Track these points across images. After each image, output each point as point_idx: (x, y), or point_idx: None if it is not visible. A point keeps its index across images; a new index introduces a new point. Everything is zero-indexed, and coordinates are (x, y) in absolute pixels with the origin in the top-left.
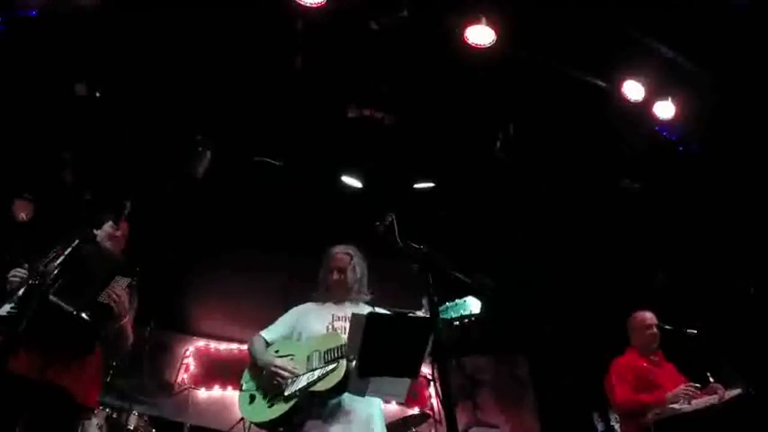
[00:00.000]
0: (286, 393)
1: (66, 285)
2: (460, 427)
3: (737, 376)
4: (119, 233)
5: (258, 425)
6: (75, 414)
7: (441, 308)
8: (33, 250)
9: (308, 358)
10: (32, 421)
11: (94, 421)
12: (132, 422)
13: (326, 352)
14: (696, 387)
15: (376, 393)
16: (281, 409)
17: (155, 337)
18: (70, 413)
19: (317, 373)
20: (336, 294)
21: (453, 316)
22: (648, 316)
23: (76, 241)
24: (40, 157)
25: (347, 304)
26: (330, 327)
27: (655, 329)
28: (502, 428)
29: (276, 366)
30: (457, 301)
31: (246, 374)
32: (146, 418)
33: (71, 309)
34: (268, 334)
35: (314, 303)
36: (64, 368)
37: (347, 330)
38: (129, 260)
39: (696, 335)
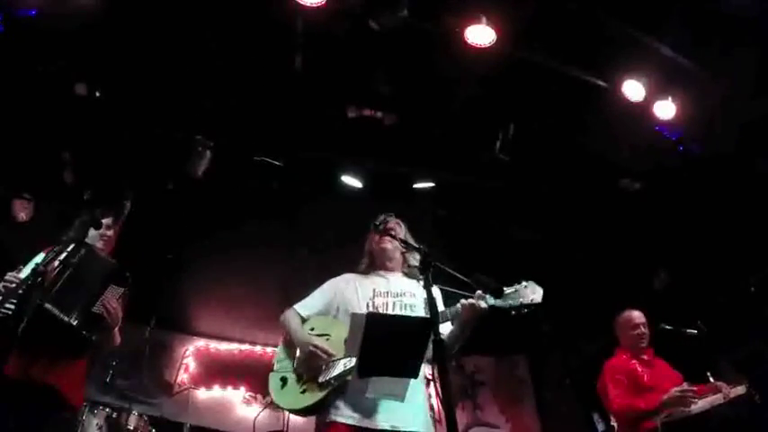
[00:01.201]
0: (320, 380)
1: (61, 292)
2: (460, 427)
3: (738, 376)
4: (110, 233)
5: (291, 411)
6: (63, 411)
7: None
8: (33, 250)
9: (346, 341)
10: (21, 419)
11: (94, 421)
12: (132, 422)
13: None
14: (692, 391)
15: (376, 393)
16: (313, 397)
17: (155, 337)
18: (58, 410)
19: (354, 360)
20: (383, 261)
21: (513, 304)
22: (636, 315)
23: (71, 246)
24: (40, 157)
25: (399, 277)
26: (370, 304)
27: (642, 329)
28: (502, 428)
29: (315, 347)
30: (516, 287)
31: (280, 353)
32: (146, 418)
33: (65, 318)
34: (303, 309)
35: (356, 274)
36: (50, 367)
37: (390, 308)
38: (122, 267)
39: (696, 335)
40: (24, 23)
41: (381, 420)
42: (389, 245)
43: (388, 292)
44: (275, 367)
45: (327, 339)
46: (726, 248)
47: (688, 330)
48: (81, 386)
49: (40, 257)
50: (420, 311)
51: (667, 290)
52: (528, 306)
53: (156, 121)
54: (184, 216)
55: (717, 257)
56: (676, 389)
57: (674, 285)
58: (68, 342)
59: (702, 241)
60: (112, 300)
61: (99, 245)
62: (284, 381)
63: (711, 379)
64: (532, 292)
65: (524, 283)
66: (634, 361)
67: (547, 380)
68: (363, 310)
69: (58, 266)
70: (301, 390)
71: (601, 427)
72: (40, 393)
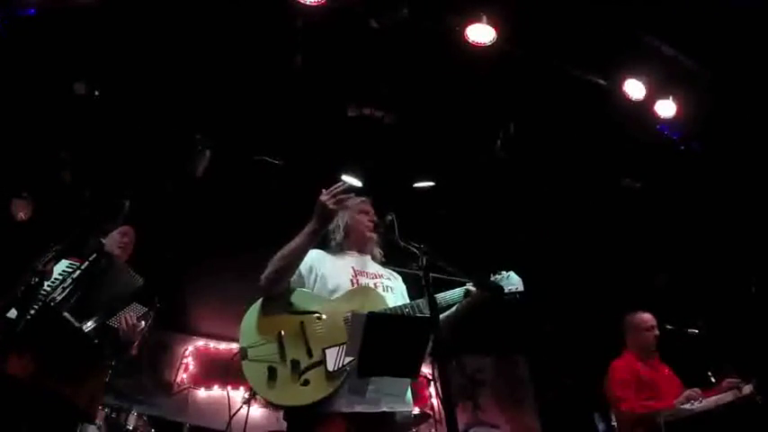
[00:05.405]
0: (330, 368)
1: (81, 302)
2: (460, 427)
3: (744, 376)
4: (126, 240)
5: (290, 409)
6: (75, 422)
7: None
8: (33, 250)
9: (347, 321)
10: (33, 427)
11: None
12: (131, 422)
13: None
14: (698, 392)
15: (376, 393)
16: (321, 389)
17: (155, 337)
18: (70, 421)
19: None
20: (359, 243)
21: (510, 290)
22: (648, 317)
23: (93, 255)
24: (39, 156)
25: (369, 259)
26: (354, 281)
27: (655, 331)
28: (502, 428)
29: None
30: (503, 273)
31: (254, 335)
32: (145, 418)
33: (77, 324)
34: None
35: (327, 252)
36: (65, 377)
37: (378, 287)
38: (149, 287)
39: (697, 335)
40: (24, 23)
41: (378, 403)
42: (375, 236)
43: (366, 273)
44: (250, 354)
45: (318, 318)
46: (727, 248)
47: (689, 330)
48: (97, 399)
49: (63, 264)
50: (398, 295)
51: (669, 290)
52: (513, 293)
53: (156, 120)
54: (184, 216)
55: (718, 257)
56: (685, 393)
57: (676, 285)
58: (80, 350)
59: (703, 241)
60: (132, 317)
61: (117, 252)
62: (272, 372)
63: (713, 379)
64: (515, 282)
65: (509, 273)
66: (641, 364)
67: (547, 380)
68: (347, 286)
69: (78, 275)
70: (302, 382)
71: (601, 427)
72: (52, 401)
